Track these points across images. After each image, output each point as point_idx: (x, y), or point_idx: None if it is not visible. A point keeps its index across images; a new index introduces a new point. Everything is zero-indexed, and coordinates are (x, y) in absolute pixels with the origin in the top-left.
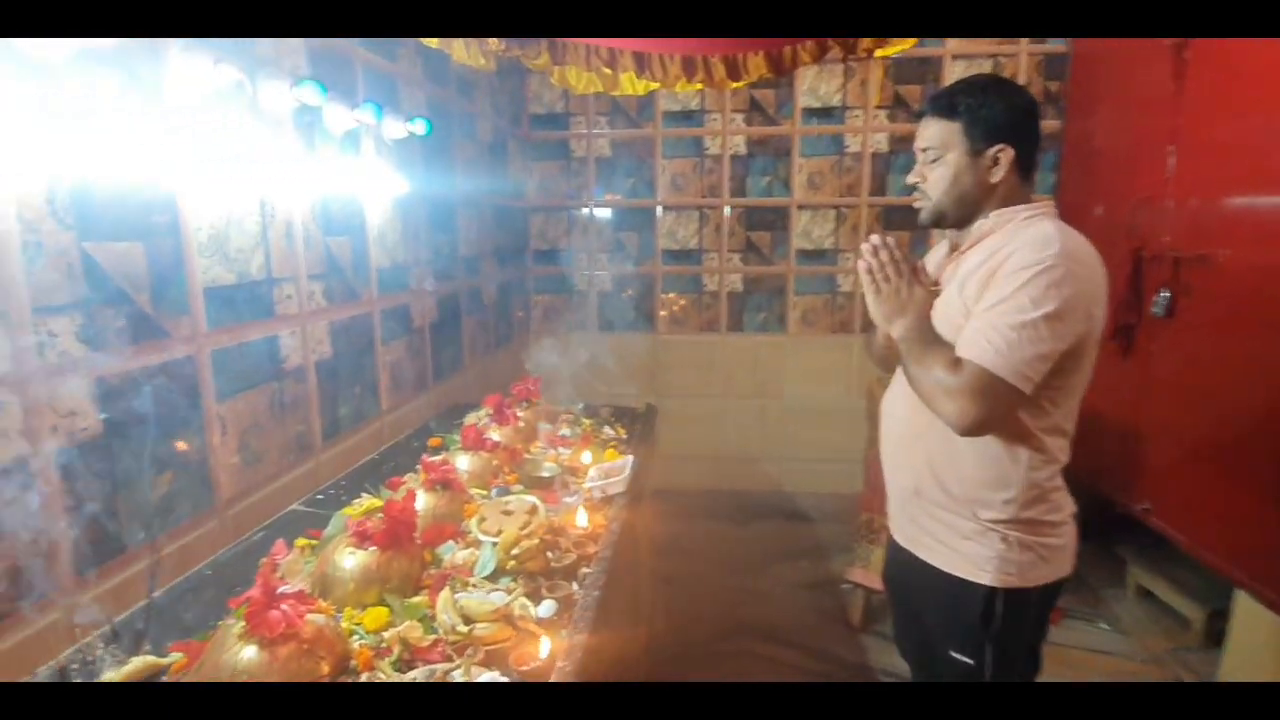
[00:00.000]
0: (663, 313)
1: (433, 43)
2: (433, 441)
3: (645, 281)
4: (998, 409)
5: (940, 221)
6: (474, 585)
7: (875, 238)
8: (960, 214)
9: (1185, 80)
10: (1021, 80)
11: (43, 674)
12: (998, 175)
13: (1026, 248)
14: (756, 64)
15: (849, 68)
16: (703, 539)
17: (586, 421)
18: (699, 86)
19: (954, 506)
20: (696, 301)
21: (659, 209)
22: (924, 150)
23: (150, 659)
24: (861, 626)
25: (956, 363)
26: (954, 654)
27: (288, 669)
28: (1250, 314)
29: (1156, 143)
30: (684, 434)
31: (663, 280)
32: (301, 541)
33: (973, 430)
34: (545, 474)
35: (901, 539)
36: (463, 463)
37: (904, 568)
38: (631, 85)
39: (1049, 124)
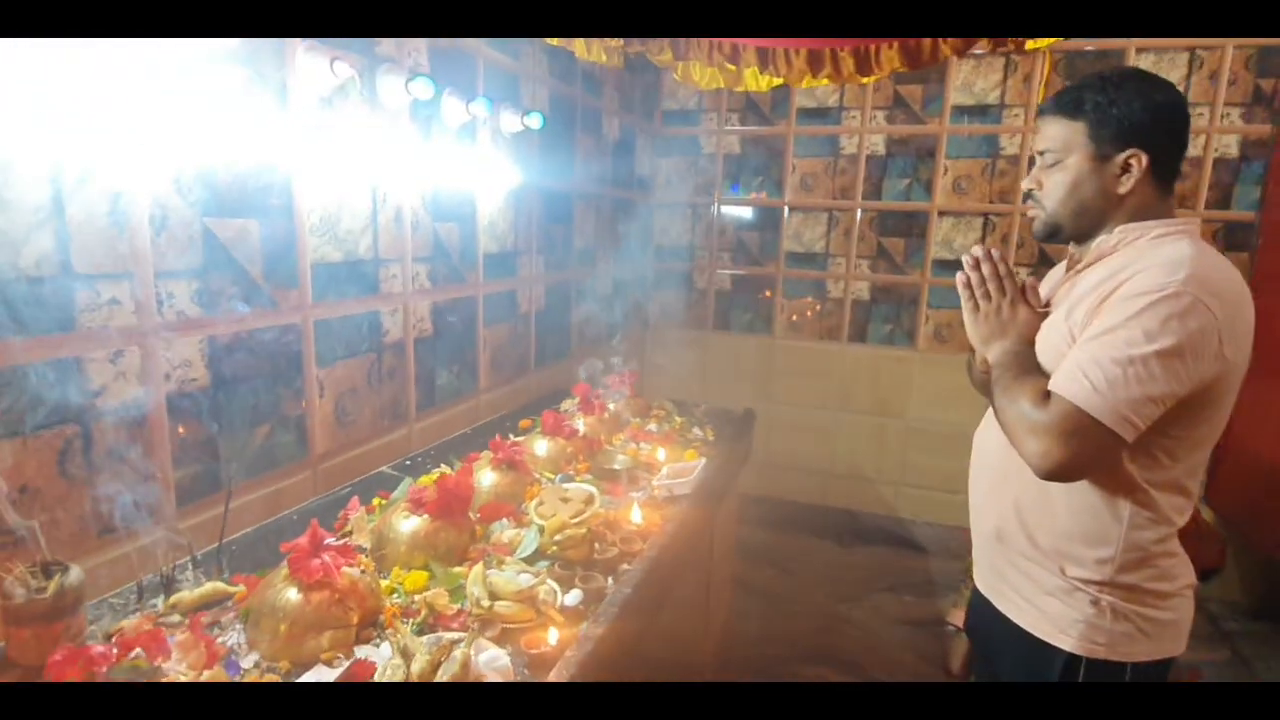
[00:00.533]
0: (781, 317)
1: (555, 41)
2: (523, 423)
3: (766, 283)
4: (1087, 455)
5: (1056, 235)
6: (509, 564)
7: (979, 249)
8: (1079, 227)
9: None
10: (1225, 78)
11: (129, 594)
12: (1126, 185)
13: (1150, 271)
14: (890, 57)
15: (1010, 61)
16: (800, 554)
17: (678, 419)
18: (825, 82)
19: (1040, 559)
20: (818, 307)
21: (786, 209)
22: (1042, 153)
23: (220, 585)
24: (960, 675)
25: (1046, 396)
26: None
27: (320, 614)
28: None
29: None
30: (793, 444)
31: (784, 283)
32: (376, 501)
33: (1055, 475)
34: (616, 466)
35: (983, 586)
36: (540, 447)
37: (984, 618)
38: (755, 81)
39: (1258, 129)
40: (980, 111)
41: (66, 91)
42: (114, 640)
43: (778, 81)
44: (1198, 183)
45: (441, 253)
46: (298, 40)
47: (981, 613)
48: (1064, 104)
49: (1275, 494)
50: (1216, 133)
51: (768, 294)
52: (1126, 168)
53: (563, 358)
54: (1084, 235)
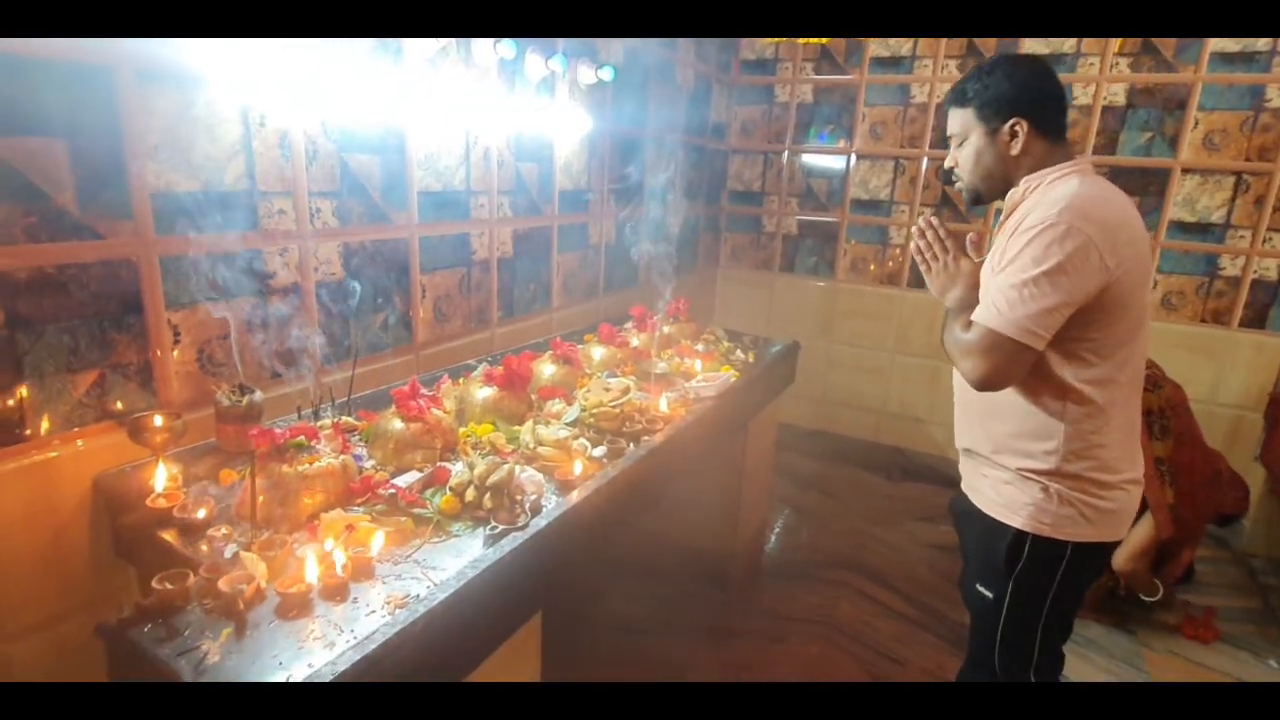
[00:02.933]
0: (844, 261)
1: None
2: (587, 337)
3: (831, 229)
4: (1005, 364)
5: (979, 199)
6: (554, 425)
7: (922, 220)
8: (993, 189)
9: None
10: None
11: (292, 419)
12: (1017, 148)
13: (1039, 209)
14: None
15: None
16: (847, 484)
17: (725, 344)
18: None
19: (999, 459)
20: (880, 253)
21: (853, 157)
22: (951, 137)
23: (349, 419)
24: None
25: (970, 323)
26: (979, 586)
27: (416, 440)
28: None
29: None
30: (850, 382)
31: (848, 229)
32: (461, 380)
33: (984, 385)
34: (658, 370)
35: (964, 488)
36: (597, 353)
37: (962, 513)
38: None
39: None
40: (1055, 59)
41: (250, 56)
42: (286, 429)
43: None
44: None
45: (522, 188)
46: None
47: (961, 509)
48: (954, 97)
49: None
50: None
51: (849, 241)
52: (1014, 134)
53: (630, 286)
54: (999, 193)
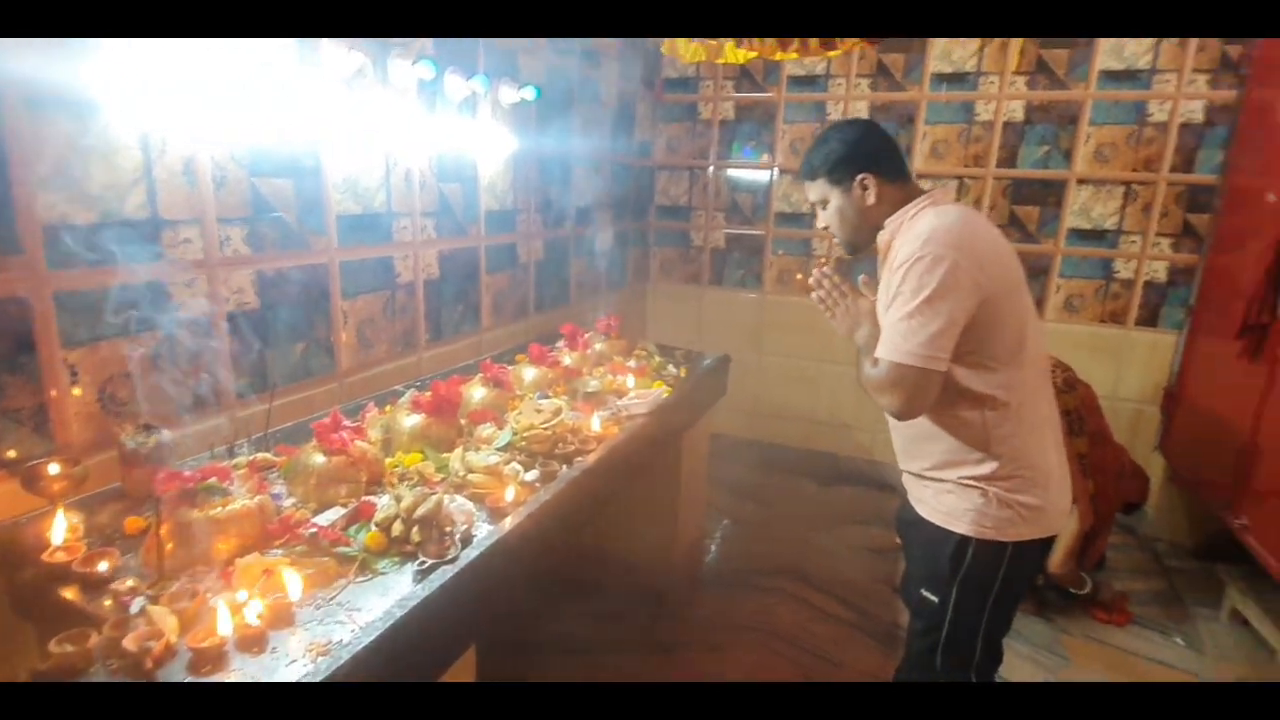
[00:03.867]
0: (770, 273)
1: None
2: (518, 358)
3: (757, 242)
4: (915, 392)
5: (855, 250)
6: (485, 450)
7: (816, 272)
8: (863, 237)
9: None
10: (1194, 44)
11: (203, 459)
12: (871, 197)
13: (905, 246)
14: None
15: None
16: (782, 491)
17: (657, 359)
18: (794, 55)
19: (937, 473)
20: (805, 265)
21: (775, 171)
22: (814, 205)
23: (267, 455)
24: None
25: (876, 361)
26: (924, 592)
27: (338, 472)
28: None
29: None
30: (781, 392)
31: (773, 242)
32: (388, 408)
33: (903, 415)
34: (589, 389)
35: (910, 498)
36: (528, 373)
37: (907, 523)
38: (733, 54)
39: (1224, 94)
40: (958, 79)
41: (151, 81)
42: (196, 471)
43: (753, 55)
44: (1163, 147)
45: (446, 209)
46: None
47: (905, 518)
48: (805, 172)
49: (1215, 442)
50: (1184, 98)
51: (775, 254)
52: (864, 187)
53: (561, 305)
54: (871, 239)
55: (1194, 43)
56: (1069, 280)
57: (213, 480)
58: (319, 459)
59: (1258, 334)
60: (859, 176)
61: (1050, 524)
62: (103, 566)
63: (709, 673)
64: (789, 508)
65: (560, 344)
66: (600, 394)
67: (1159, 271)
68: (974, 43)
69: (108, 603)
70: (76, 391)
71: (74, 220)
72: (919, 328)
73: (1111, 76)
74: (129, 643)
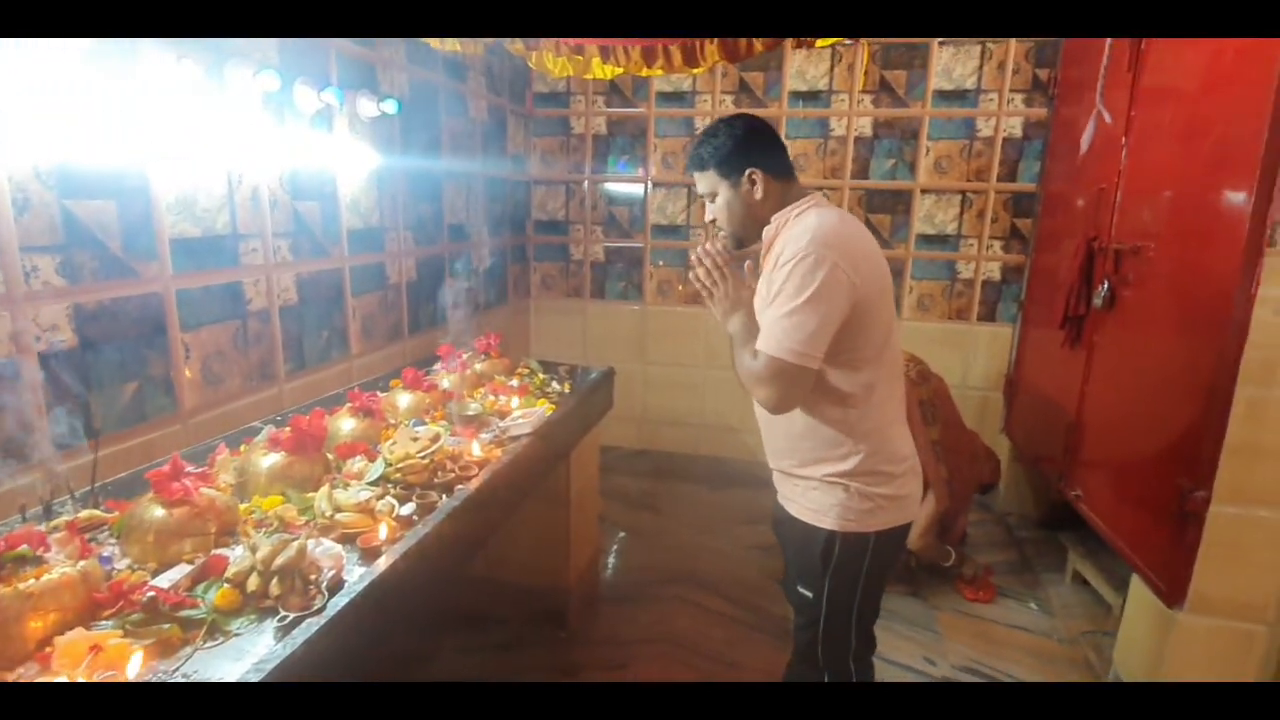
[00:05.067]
0: (650, 285)
1: None
2: (394, 383)
3: (636, 254)
4: (790, 387)
5: (742, 243)
6: (354, 486)
7: (700, 249)
8: (750, 231)
9: (1140, 72)
10: (1010, 67)
11: (14, 523)
12: (759, 192)
13: (790, 244)
14: (711, 51)
15: (836, 52)
16: (674, 498)
17: (540, 376)
18: (659, 72)
19: (802, 471)
20: (683, 275)
21: (649, 185)
22: (703, 196)
23: (95, 512)
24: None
25: (756, 354)
26: (800, 588)
27: (182, 525)
28: (1172, 309)
29: (1115, 134)
30: (668, 400)
31: (652, 253)
32: (242, 447)
33: (777, 409)
34: (470, 412)
35: (779, 498)
36: (403, 400)
37: (780, 521)
38: (600, 70)
39: (1037, 112)
40: (812, 97)
41: None
42: (3, 538)
43: (620, 71)
44: (990, 159)
45: (303, 228)
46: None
47: (778, 518)
48: (694, 163)
49: (1049, 422)
50: (1005, 115)
51: (654, 265)
52: (752, 181)
53: (438, 325)
54: (758, 234)
55: (1010, 65)
56: (920, 282)
57: (23, 548)
58: (158, 512)
59: (1076, 324)
60: (748, 171)
61: (907, 512)
62: None
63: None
64: (681, 514)
65: (437, 366)
66: (482, 416)
67: (994, 271)
68: (825, 62)
69: None
70: None
71: None
72: (798, 325)
73: (944, 96)
74: None
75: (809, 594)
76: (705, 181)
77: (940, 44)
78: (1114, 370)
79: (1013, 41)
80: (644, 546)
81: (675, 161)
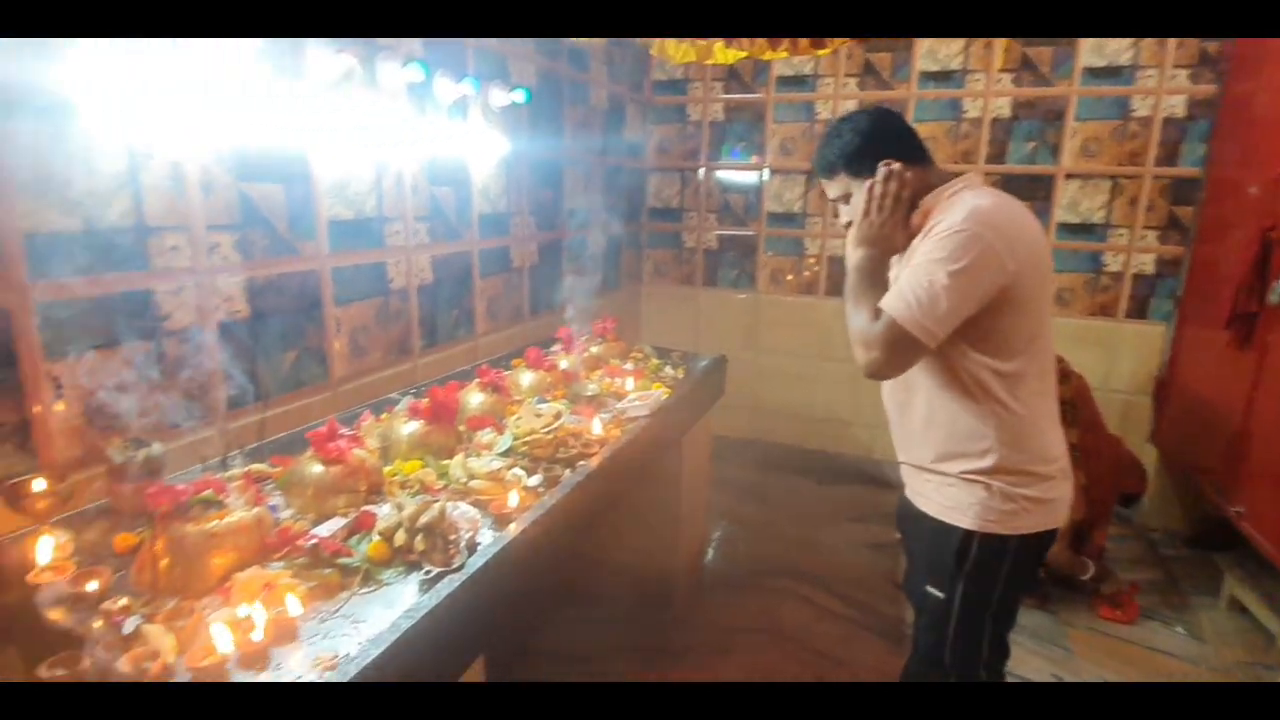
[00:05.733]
0: (763, 273)
1: None
2: (515, 362)
3: (749, 242)
4: (902, 358)
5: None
6: (486, 456)
7: (897, 165)
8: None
9: None
10: (1174, 41)
11: (195, 472)
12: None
13: (946, 219)
14: None
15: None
16: (781, 491)
17: (654, 361)
18: (784, 54)
19: (940, 466)
20: (797, 264)
21: (766, 172)
22: (836, 201)
23: (262, 466)
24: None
25: (878, 312)
26: (929, 588)
27: (336, 482)
28: None
29: None
30: (778, 391)
31: (766, 241)
32: (384, 415)
33: (877, 375)
34: (588, 392)
35: (908, 493)
36: (525, 378)
37: (907, 518)
38: (723, 54)
39: (1205, 89)
40: (945, 77)
41: (132, 85)
42: (190, 485)
43: (743, 55)
44: (1147, 141)
45: (439, 213)
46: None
47: (905, 513)
48: (822, 170)
49: (1208, 431)
50: (1165, 94)
51: (767, 254)
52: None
53: (556, 308)
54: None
55: (1173, 40)
56: (1059, 274)
57: (208, 493)
58: (316, 469)
59: (1246, 322)
60: (883, 164)
61: (1054, 516)
62: (92, 586)
63: (716, 676)
64: (789, 506)
65: (556, 348)
66: (599, 397)
67: (1146, 264)
68: (959, 41)
69: (99, 624)
70: (60, 406)
71: (56, 228)
72: (933, 299)
73: (1094, 73)
74: (124, 664)
75: (939, 594)
76: (836, 187)
77: None
78: None
79: None
80: (751, 536)
81: (793, 147)
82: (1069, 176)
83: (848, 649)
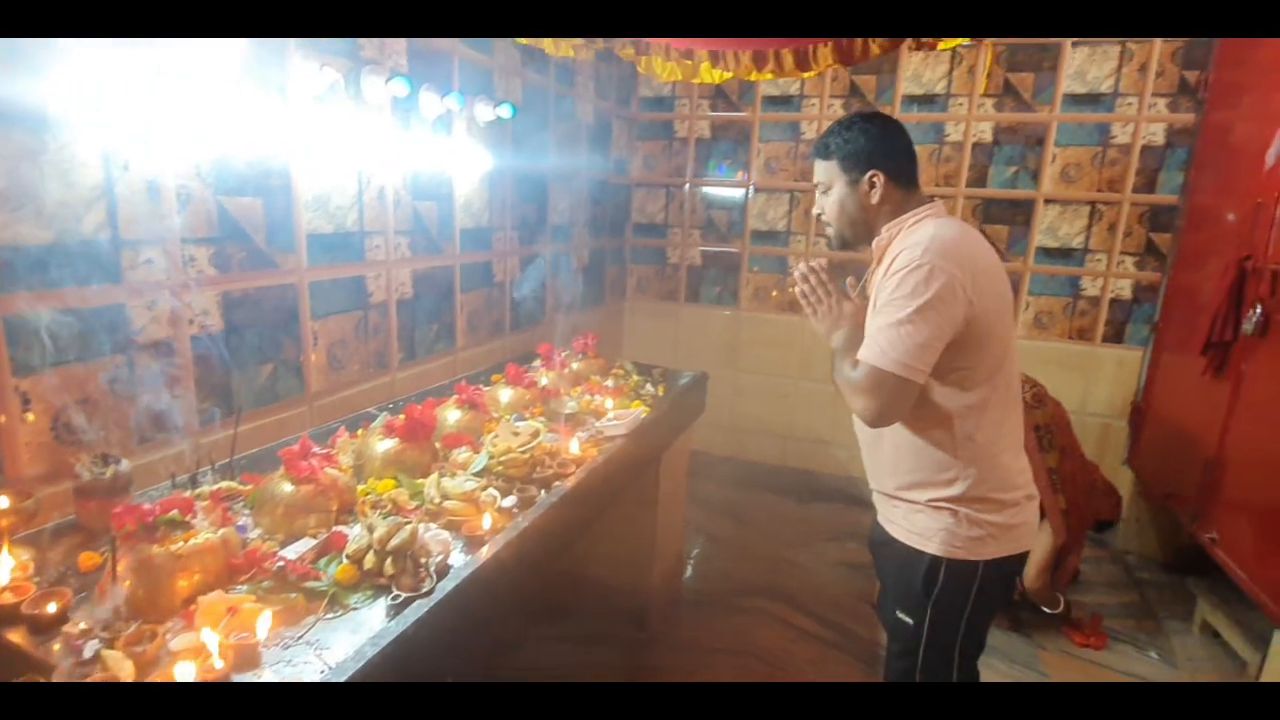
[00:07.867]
0: (746, 290)
1: (523, 41)
2: (495, 378)
3: (733, 259)
4: (891, 400)
5: (845, 244)
6: (460, 476)
7: (803, 265)
8: (857, 234)
9: None
10: (1154, 69)
11: (164, 489)
12: (876, 196)
13: (904, 252)
14: (825, 55)
15: (956, 54)
16: (758, 509)
17: (635, 378)
18: (770, 76)
19: (906, 494)
20: (780, 282)
21: (751, 190)
22: (816, 185)
23: (232, 484)
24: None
25: (857, 363)
26: (899, 613)
27: (307, 501)
28: None
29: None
30: (757, 409)
31: (749, 259)
32: (360, 431)
33: (876, 422)
34: (567, 410)
35: (880, 518)
36: (504, 395)
37: (879, 542)
38: (709, 75)
39: (1183, 118)
40: (928, 101)
41: (110, 95)
42: (156, 504)
43: (729, 75)
44: (1126, 168)
45: (421, 227)
46: (293, 47)
47: (877, 539)
48: (819, 149)
49: (1183, 457)
50: (1145, 121)
51: (750, 271)
52: (872, 184)
53: (537, 323)
54: (864, 239)
55: (1153, 67)
56: (1037, 298)
57: (174, 513)
58: (287, 488)
59: (1221, 350)
60: (870, 173)
61: (1021, 540)
62: (52, 608)
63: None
64: (766, 525)
65: (536, 364)
66: (578, 415)
67: (1124, 289)
68: (943, 65)
69: (57, 647)
70: (29, 418)
71: (23, 240)
72: (905, 336)
73: (1075, 100)
74: None
75: (909, 620)
76: (824, 171)
77: (1074, 44)
78: (1265, 402)
79: (1158, 41)
80: (727, 555)
81: (778, 166)
82: (1049, 201)
83: (822, 671)
